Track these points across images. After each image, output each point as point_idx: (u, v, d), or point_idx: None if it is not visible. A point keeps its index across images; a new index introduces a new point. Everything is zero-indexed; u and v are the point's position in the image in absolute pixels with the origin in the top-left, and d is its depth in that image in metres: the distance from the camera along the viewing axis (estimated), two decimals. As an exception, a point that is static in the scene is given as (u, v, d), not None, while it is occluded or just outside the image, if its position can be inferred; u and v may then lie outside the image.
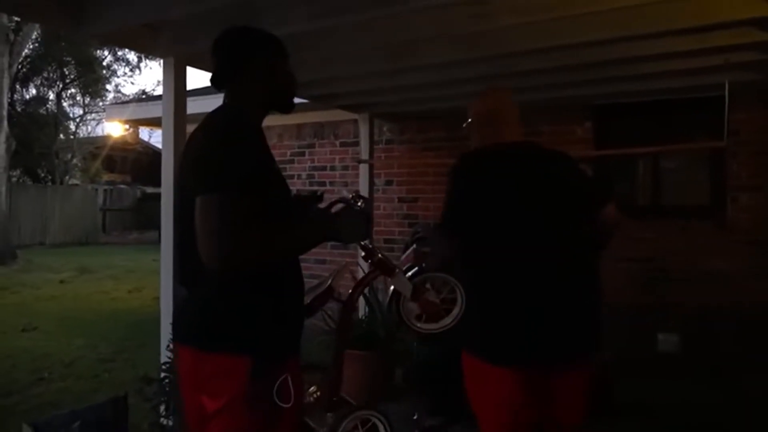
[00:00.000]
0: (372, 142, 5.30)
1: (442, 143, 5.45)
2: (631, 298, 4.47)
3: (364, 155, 5.21)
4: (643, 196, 4.96)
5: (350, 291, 2.28)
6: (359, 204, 1.76)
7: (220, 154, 1.40)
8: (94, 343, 5.41)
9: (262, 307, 1.46)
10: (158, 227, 3.30)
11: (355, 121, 5.53)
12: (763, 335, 4.04)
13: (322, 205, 1.86)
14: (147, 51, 3.62)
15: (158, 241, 3.18)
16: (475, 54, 3.41)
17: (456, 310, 2.11)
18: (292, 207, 1.65)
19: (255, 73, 1.58)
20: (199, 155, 1.45)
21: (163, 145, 3.31)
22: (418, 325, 2.14)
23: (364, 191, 5.13)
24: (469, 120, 2.17)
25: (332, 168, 6.11)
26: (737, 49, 3.21)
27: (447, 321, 2.12)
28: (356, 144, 5.75)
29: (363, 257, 2.07)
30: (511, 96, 2.19)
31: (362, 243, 1.91)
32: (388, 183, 5.80)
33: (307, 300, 1.87)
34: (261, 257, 1.39)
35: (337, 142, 6.08)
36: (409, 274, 2.07)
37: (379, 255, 2.03)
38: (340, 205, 1.76)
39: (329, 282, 2.08)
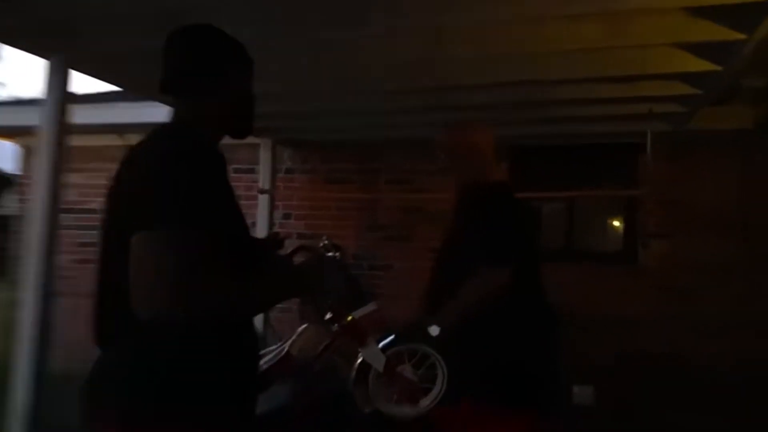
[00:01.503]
0: (275, 170, 5.14)
1: (349, 175, 5.40)
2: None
3: (265, 185, 5.02)
4: (556, 240, 5.22)
5: (313, 358, 1.99)
6: (335, 254, 1.62)
7: (168, 181, 1.23)
8: None
9: (202, 374, 1.27)
10: None
11: (254, 146, 5.33)
12: (675, 380, 4.34)
13: (282, 252, 1.71)
14: (31, 49, 3.19)
15: None
16: (399, 85, 3.45)
17: (436, 390, 1.92)
18: (253, 252, 1.49)
19: (219, 85, 1.42)
20: (141, 184, 1.26)
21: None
22: (391, 407, 1.92)
23: (263, 225, 4.95)
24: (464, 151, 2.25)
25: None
26: (659, 100, 3.50)
27: (425, 403, 1.92)
28: (252, 171, 5.53)
29: (329, 318, 1.84)
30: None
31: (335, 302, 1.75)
32: (287, 216, 5.62)
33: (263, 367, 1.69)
34: (212, 309, 1.22)
35: (231, 169, 5.81)
36: (383, 343, 1.91)
37: (349, 318, 1.84)
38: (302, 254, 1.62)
39: (287, 346, 1.89)
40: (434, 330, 1.94)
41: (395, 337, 1.94)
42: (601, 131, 4.29)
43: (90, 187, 6.17)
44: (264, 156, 5.10)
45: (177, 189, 1.21)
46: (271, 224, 5.12)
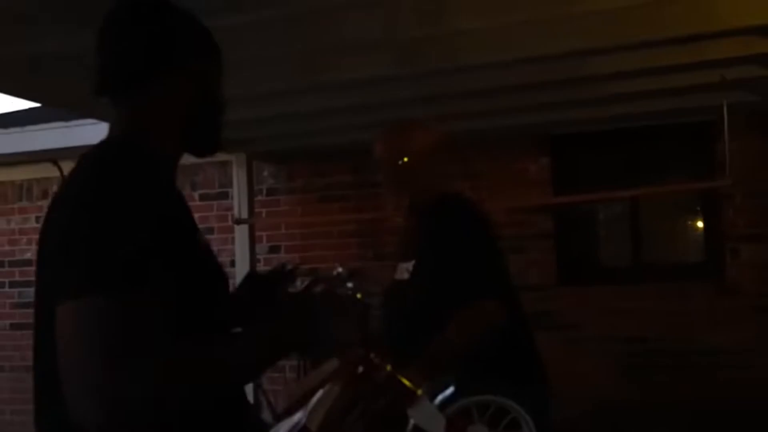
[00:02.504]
0: (252, 193, 5.18)
1: (349, 191, 5.43)
2: (612, 391, 4.60)
3: (243, 212, 5.06)
4: (620, 255, 5.19)
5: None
6: (348, 286, 1.58)
7: (97, 226, 1.10)
8: None
9: None
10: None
11: (223, 163, 5.40)
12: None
13: (293, 288, 1.68)
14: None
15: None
16: (402, 69, 3.46)
17: None
18: (226, 304, 1.43)
19: (176, 82, 1.31)
20: (63, 230, 1.15)
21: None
22: None
23: (243, 262, 4.98)
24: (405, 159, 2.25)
25: (191, 233, 5.87)
26: (734, 62, 3.48)
27: None
28: (224, 196, 5.62)
29: (360, 374, 1.73)
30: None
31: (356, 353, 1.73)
32: (274, 250, 5.66)
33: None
34: (172, 404, 1.11)
35: (196, 195, 5.87)
36: (441, 397, 1.87)
37: (388, 368, 1.76)
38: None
39: (304, 419, 1.79)
40: (451, 381, 1.94)
41: (455, 387, 1.90)
42: (663, 109, 4.27)
43: (21, 233, 6.27)
44: (238, 176, 5.14)
45: (107, 234, 1.10)
46: (253, 261, 5.15)
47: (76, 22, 2.46)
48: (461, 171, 4.90)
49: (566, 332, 4.85)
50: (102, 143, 1.29)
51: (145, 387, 1.05)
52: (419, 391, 1.81)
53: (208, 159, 5.32)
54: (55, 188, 6.16)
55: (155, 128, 1.32)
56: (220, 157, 5.27)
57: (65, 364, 1.06)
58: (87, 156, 1.24)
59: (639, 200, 4.95)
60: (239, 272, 5.02)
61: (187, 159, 4.83)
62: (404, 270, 2.28)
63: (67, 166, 5.91)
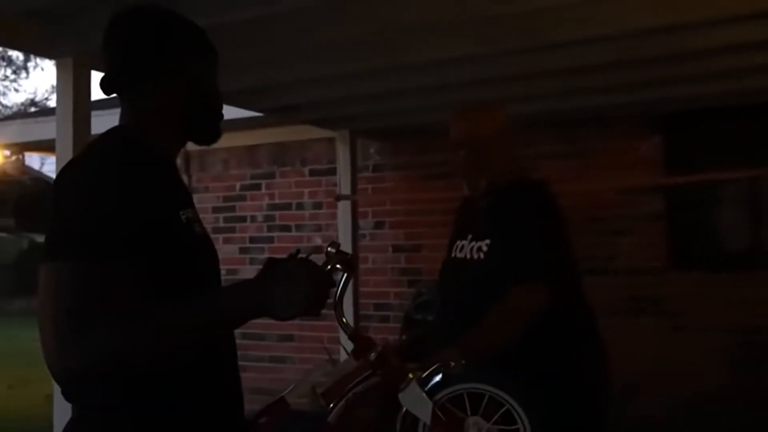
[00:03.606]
0: (355, 170, 5.29)
1: (451, 169, 5.43)
2: (721, 383, 4.43)
3: (345, 188, 5.19)
4: (737, 240, 4.96)
5: (328, 407, 1.91)
6: (329, 251, 1.57)
7: (79, 199, 1.30)
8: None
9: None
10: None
11: (331, 140, 5.54)
12: None
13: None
14: (36, 49, 3.63)
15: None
16: (497, 46, 3.44)
17: None
18: (215, 278, 1.53)
19: (170, 80, 1.47)
20: (56, 203, 1.34)
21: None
22: None
23: (344, 238, 5.09)
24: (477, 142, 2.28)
25: (299, 206, 6.09)
26: None
27: None
28: (332, 172, 5.75)
29: (351, 353, 1.84)
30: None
31: (346, 324, 1.78)
32: (379, 226, 5.77)
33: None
34: (132, 358, 1.24)
35: (306, 170, 6.07)
36: (432, 383, 1.82)
37: (376, 350, 1.80)
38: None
39: (285, 395, 1.90)
40: (460, 367, 1.90)
41: (444, 375, 1.84)
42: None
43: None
44: (341, 152, 5.27)
45: (81, 210, 1.28)
46: (356, 237, 5.28)
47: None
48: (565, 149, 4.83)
49: (673, 319, 4.70)
50: (105, 133, 1.46)
51: (104, 343, 1.20)
52: (411, 376, 1.82)
53: (318, 135, 5.60)
54: (178, 163, 6.53)
55: (153, 120, 1.48)
56: (328, 133, 5.44)
57: (40, 317, 1.23)
58: (90, 142, 1.46)
59: (758, 181, 4.71)
60: (344, 247, 5.16)
61: (299, 135, 5.06)
62: (466, 248, 2.30)
63: (189, 143, 6.29)
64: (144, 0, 1.56)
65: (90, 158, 1.41)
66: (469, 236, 2.30)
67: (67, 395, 1.36)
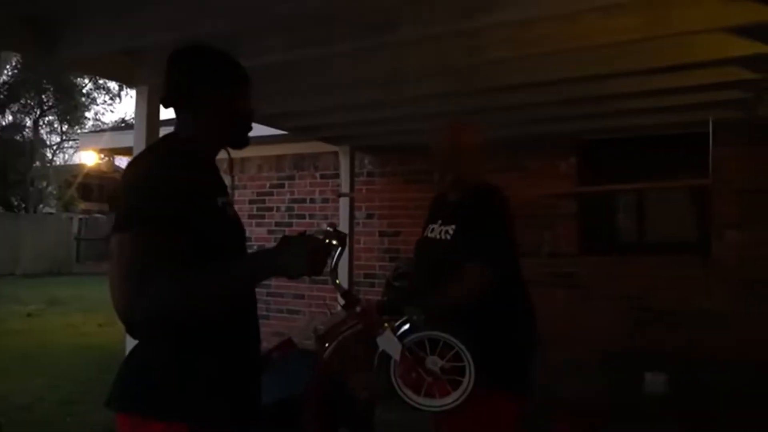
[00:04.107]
0: (353, 175, 5.22)
1: (424, 176, 5.35)
2: (618, 338, 4.40)
3: (345, 188, 5.12)
4: (629, 233, 4.93)
5: (324, 346, 1.92)
6: (326, 229, 1.52)
7: (137, 186, 1.28)
8: (56, 383, 5.15)
9: (198, 362, 1.29)
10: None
11: (336, 153, 5.46)
12: (751, 376, 3.96)
13: None
14: (122, 79, 3.53)
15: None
16: (463, 87, 3.38)
17: (464, 384, 1.77)
18: (242, 248, 1.49)
19: (213, 102, 1.44)
20: (122, 188, 1.31)
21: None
22: (415, 398, 1.79)
23: (344, 224, 5.04)
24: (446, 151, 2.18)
25: (312, 200, 6.01)
26: (720, 87, 3.21)
27: (452, 398, 1.78)
28: (337, 176, 5.67)
29: (342, 306, 1.81)
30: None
31: (338, 285, 1.73)
32: (369, 216, 5.71)
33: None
34: (173, 307, 1.20)
35: (318, 174, 5.99)
36: (401, 330, 1.80)
37: (361, 305, 1.76)
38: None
39: (292, 335, 1.87)
40: (419, 320, 1.85)
41: (411, 325, 1.82)
42: (666, 122, 3.99)
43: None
44: (343, 162, 5.19)
45: (142, 192, 1.26)
46: (352, 224, 5.22)
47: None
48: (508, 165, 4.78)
49: (583, 291, 4.67)
50: (161, 138, 1.47)
51: (155, 296, 1.18)
52: (386, 325, 1.79)
53: (327, 149, 5.53)
54: (224, 166, 6.43)
55: (200, 130, 1.46)
56: (334, 148, 5.37)
57: (109, 278, 1.23)
58: (150, 145, 1.44)
59: (643, 192, 4.68)
60: (341, 230, 5.11)
61: (313, 149, 4.97)
62: (439, 231, 2.23)
63: (234, 151, 6.23)
64: (197, 41, 1.52)
65: (147, 156, 1.39)
66: (439, 221, 2.22)
67: (131, 334, 1.30)
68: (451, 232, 2.13)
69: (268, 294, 5.90)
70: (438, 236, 2.19)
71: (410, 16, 2.51)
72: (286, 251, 1.26)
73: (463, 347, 1.79)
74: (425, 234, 2.30)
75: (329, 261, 1.43)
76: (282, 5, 2.37)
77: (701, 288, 4.35)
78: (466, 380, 1.78)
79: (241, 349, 1.40)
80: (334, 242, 1.41)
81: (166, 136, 1.48)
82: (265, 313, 5.89)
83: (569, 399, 4.03)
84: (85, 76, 20.25)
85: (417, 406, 1.81)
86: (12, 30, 2.68)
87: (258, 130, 4.88)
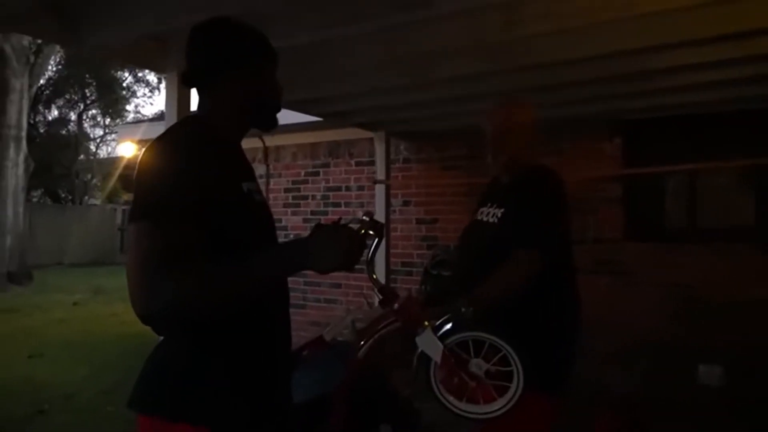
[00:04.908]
0: (388, 162, 5.13)
1: (461, 162, 5.24)
2: (667, 328, 4.20)
3: (380, 175, 5.03)
4: (678, 218, 4.69)
5: (360, 344, 1.79)
6: (363, 219, 1.41)
7: (155, 173, 1.19)
8: (97, 371, 5.25)
9: (222, 362, 1.21)
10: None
11: (371, 139, 5.37)
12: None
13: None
14: (151, 66, 3.51)
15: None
16: (499, 66, 3.22)
17: (512, 390, 1.63)
18: (272, 237, 1.38)
19: (236, 79, 1.33)
20: (138, 175, 1.22)
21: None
22: (456, 404, 1.66)
23: (380, 212, 4.96)
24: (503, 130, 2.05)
25: (347, 188, 5.93)
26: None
27: (498, 405, 1.64)
28: (372, 163, 5.57)
29: (379, 302, 1.68)
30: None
31: (375, 279, 1.61)
32: (406, 203, 5.60)
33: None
34: (192, 302, 1.12)
35: (353, 162, 5.91)
36: (443, 330, 1.66)
37: (398, 302, 1.63)
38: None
39: (329, 334, 1.78)
40: (469, 313, 1.73)
41: (454, 324, 1.68)
42: (716, 98, 3.75)
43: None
44: (378, 148, 5.10)
45: (155, 181, 1.18)
46: (388, 211, 5.13)
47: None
48: (546, 148, 4.58)
49: (626, 278, 4.46)
50: (180, 120, 1.37)
51: (172, 289, 1.09)
52: (426, 324, 1.65)
53: (362, 135, 5.44)
54: (259, 155, 6.43)
55: (224, 110, 1.34)
56: (369, 134, 5.28)
57: (127, 267, 1.14)
58: (168, 128, 1.33)
59: (694, 173, 4.42)
60: (377, 219, 5.02)
61: (348, 135, 4.92)
62: (488, 214, 2.11)
63: (268, 140, 6.20)
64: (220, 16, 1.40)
65: (164, 141, 1.27)
66: (489, 204, 2.10)
67: (153, 328, 1.22)
68: (499, 215, 2.01)
69: (306, 283, 5.86)
70: (486, 219, 2.07)
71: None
72: (318, 243, 1.16)
73: (511, 350, 1.66)
74: (475, 217, 2.18)
75: (366, 252, 1.34)
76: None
77: (759, 276, 4.10)
78: (513, 386, 1.65)
79: (268, 348, 1.31)
80: (370, 233, 1.31)
81: (186, 119, 1.39)
82: (302, 302, 5.86)
83: (615, 391, 3.87)
84: (125, 68, 20.66)
85: (459, 412, 1.68)
86: (37, 16, 2.66)
87: (292, 117, 4.86)
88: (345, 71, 3.51)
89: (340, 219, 1.26)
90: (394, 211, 5.52)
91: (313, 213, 6.12)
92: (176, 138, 1.27)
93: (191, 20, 2.41)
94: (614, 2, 2.43)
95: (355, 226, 1.25)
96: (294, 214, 6.19)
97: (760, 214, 4.30)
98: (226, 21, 1.37)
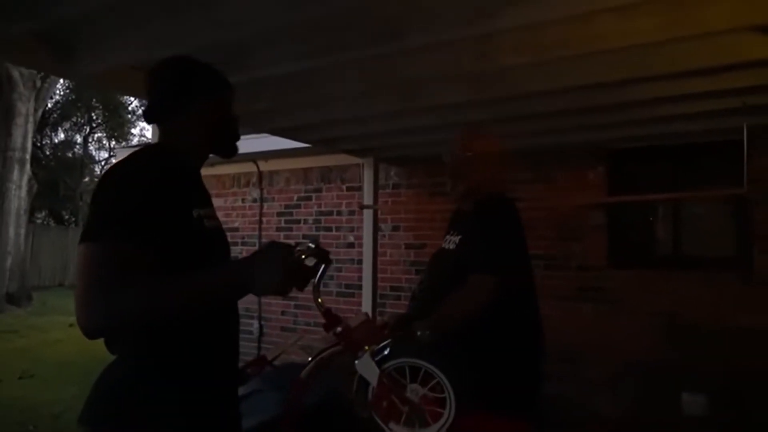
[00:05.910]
0: (377, 187, 5.14)
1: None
2: (651, 354, 4.17)
3: (368, 200, 5.05)
4: (662, 246, 4.69)
5: (306, 366, 1.82)
6: (309, 246, 1.31)
7: (108, 195, 1.24)
8: (87, 392, 5.21)
9: (170, 383, 1.24)
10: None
11: (362, 165, 5.40)
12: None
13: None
14: (136, 94, 3.55)
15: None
16: (483, 95, 3.26)
17: (444, 417, 1.63)
18: (207, 264, 1.35)
19: (192, 111, 1.40)
20: (93, 196, 1.28)
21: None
22: (393, 427, 1.66)
23: (368, 237, 4.98)
24: (464, 157, 2.11)
25: (338, 213, 5.95)
26: (756, 91, 3.01)
27: (432, 430, 1.63)
28: (363, 188, 5.60)
29: (323, 326, 1.68)
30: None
31: (320, 303, 1.63)
32: (395, 228, 5.62)
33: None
34: (132, 313, 1.13)
35: (344, 186, 5.94)
36: (379, 357, 1.67)
37: (340, 327, 1.66)
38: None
39: (271, 354, 1.79)
40: (425, 336, 1.74)
41: (391, 350, 1.68)
42: (697, 129, 3.78)
43: (232, 209, 6.63)
44: (367, 174, 5.12)
45: (111, 201, 1.22)
46: (376, 236, 5.13)
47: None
48: (510, 177, 4.62)
49: (611, 305, 4.45)
50: (139, 148, 1.40)
51: (112, 305, 1.12)
52: (366, 348, 1.67)
53: (353, 161, 5.48)
54: (254, 179, 6.47)
55: (183, 140, 1.41)
56: (358, 160, 5.31)
57: (75, 286, 1.18)
58: (128, 155, 1.36)
59: (677, 202, 4.43)
60: (365, 243, 5.04)
61: (340, 161, 4.92)
62: (449, 241, 2.14)
63: (262, 165, 6.25)
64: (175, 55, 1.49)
65: (121, 166, 1.32)
66: (451, 231, 2.15)
67: (106, 345, 1.29)
68: (457, 242, 2.05)
69: (296, 306, 5.85)
70: (448, 246, 2.11)
71: (418, 23, 2.43)
72: (254, 266, 1.17)
73: (443, 377, 1.65)
74: (441, 244, 2.22)
75: (311, 279, 1.36)
76: (286, 14, 2.32)
77: (741, 305, 4.08)
78: (446, 412, 1.64)
79: (215, 368, 1.33)
80: (314, 260, 1.32)
81: (147, 146, 1.45)
82: (292, 326, 5.85)
83: (603, 415, 3.84)
84: (117, 92, 20.88)
85: None
86: (29, 47, 2.71)
87: (285, 143, 4.90)
88: (331, 98, 3.54)
89: (295, 244, 1.27)
90: (384, 236, 5.54)
91: (305, 237, 6.13)
92: (133, 163, 1.31)
93: (171, 51, 2.50)
94: (584, 37, 2.47)
95: (301, 253, 1.27)
96: (286, 237, 6.20)
97: (740, 243, 4.30)
98: (180, 58, 1.45)
